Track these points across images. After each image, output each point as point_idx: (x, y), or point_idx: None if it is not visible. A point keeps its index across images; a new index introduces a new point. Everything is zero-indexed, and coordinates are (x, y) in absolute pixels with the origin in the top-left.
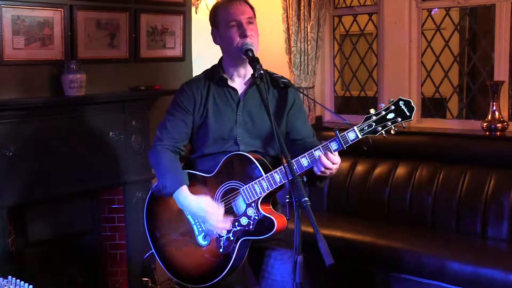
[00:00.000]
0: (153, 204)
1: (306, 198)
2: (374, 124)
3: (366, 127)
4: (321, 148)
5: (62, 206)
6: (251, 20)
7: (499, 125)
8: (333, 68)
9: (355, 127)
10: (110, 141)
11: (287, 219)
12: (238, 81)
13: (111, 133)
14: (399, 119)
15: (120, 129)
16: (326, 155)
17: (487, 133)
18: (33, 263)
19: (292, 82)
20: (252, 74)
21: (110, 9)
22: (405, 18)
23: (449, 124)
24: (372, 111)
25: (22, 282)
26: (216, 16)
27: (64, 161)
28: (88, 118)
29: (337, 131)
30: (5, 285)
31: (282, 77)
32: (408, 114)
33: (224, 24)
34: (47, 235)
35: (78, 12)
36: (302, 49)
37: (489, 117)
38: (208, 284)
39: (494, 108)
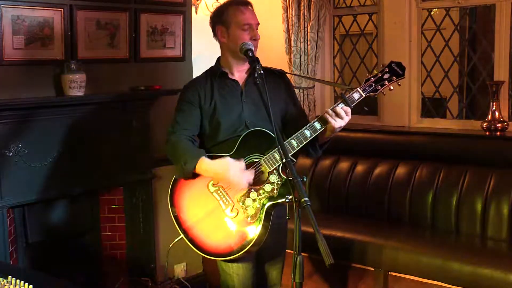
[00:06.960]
0: (176, 190)
1: (306, 198)
2: (373, 84)
3: (368, 87)
4: (329, 110)
5: (62, 206)
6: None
7: (499, 125)
8: (333, 68)
9: (358, 88)
10: (110, 141)
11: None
12: (238, 74)
13: (111, 133)
14: (394, 78)
15: (120, 129)
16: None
17: (487, 133)
18: (33, 263)
19: (292, 82)
20: (251, 73)
21: (110, 9)
22: (405, 18)
23: (449, 124)
24: (369, 75)
25: (22, 282)
26: (226, 16)
27: (64, 161)
28: (88, 118)
29: (343, 93)
30: (5, 285)
31: (275, 68)
32: (401, 72)
33: (236, 24)
34: (47, 235)
35: (78, 12)
36: (302, 49)
37: (489, 117)
38: (238, 254)
39: (494, 108)
